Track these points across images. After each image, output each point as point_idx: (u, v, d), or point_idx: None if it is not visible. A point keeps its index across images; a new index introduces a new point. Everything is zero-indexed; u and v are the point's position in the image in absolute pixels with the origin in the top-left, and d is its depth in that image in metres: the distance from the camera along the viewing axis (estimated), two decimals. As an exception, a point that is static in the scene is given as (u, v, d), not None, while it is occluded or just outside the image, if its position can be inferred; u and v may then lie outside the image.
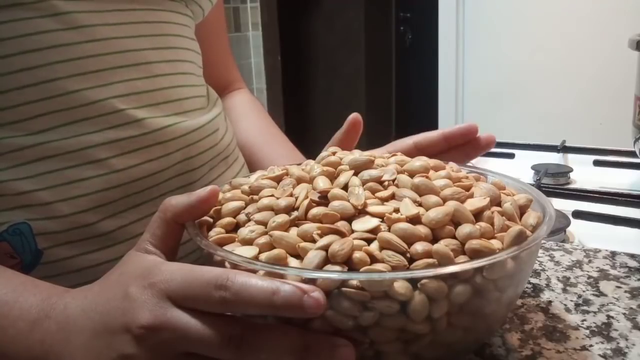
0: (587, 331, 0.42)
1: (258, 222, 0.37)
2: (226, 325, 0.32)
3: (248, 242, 0.36)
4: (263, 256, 0.34)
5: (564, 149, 1.06)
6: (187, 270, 0.33)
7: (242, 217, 0.39)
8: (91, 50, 0.46)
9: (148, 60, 0.50)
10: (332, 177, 0.40)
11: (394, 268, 0.32)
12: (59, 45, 0.44)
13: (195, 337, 0.31)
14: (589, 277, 0.50)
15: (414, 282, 0.31)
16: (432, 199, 0.37)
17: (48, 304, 0.36)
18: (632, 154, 0.91)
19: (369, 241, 0.34)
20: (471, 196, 0.39)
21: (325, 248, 0.33)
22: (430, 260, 0.32)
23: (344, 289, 0.31)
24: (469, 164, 0.51)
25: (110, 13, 0.47)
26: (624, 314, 0.44)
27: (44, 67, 0.43)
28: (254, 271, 0.33)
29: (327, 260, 0.32)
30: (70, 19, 0.45)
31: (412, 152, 0.53)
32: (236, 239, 0.37)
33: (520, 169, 0.97)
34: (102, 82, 0.46)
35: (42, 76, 0.43)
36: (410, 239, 0.33)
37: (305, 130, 3.13)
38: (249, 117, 0.72)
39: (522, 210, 0.40)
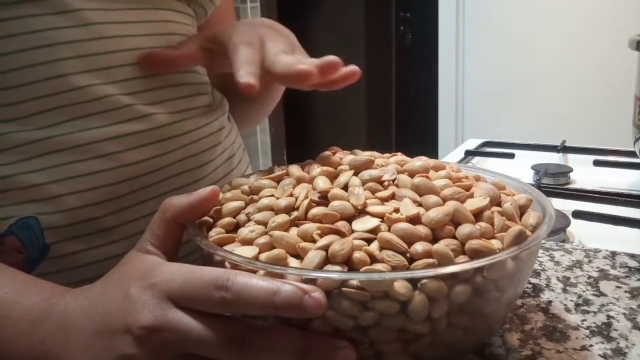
0: (587, 331, 0.42)
1: (258, 222, 0.37)
2: (227, 326, 0.32)
3: (248, 242, 0.36)
4: (263, 256, 0.34)
5: (564, 149, 1.06)
6: (188, 271, 0.33)
7: (242, 217, 0.39)
8: (99, 48, 0.46)
9: None
10: (332, 177, 0.40)
11: (394, 268, 0.32)
12: (68, 41, 0.44)
13: (195, 338, 0.31)
14: (589, 277, 0.50)
15: (414, 282, 0.31)
16: (432, 199, 0.37)
17: (49, 303, 0.36)
18: (632, 154, 0.91)
19: (369, 241, 0.34)
20: (471, 196, 0.39)
21: (325, 248, 0.33)
22: (430, 260, 0.32)
23: (344, 289, 0.31)
24: (469, 164, 0.51)
25: (117, 11, 0.48)
26: (624, 314, 0.44)
27: (53, 63, 0.44)
28: (254, 271, 0.33)
29: (327, 260, 0.32)
30: (80, 16, 0.45)
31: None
32: (236, 239, 0.37)
33: (520, 169, 0.97)
34: (110, 79, 0.46)
35: (51, 72, 0.44)
36: (410, 239, 0.33)
37: (306, 130, 3.13)
38: None
39: (522, 210, 0.40)
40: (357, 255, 0.32)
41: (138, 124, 0.47)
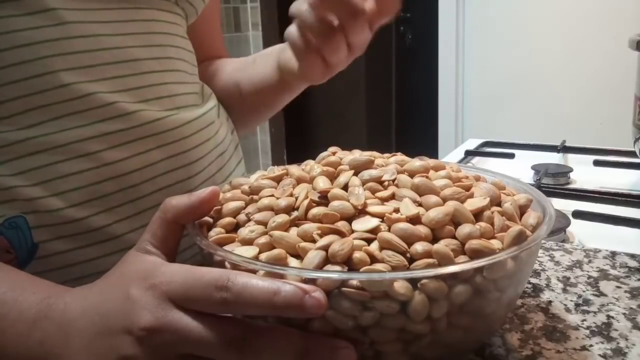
0: (587, 331, 0.42)
1: (258, 222, 0.37)
2: (227, 327, 0.32)
3: (248, 242, 0.36)
4: (263, 256, 0.34)
5: (564, 149, 1.06)
6: (188, 271, 0.33)
7: (242, 217, 0.39)
8: (80, 46, 0.46)
9: (136, 58, 0.50)
10: (332, 177, 0.40)
11: (394, 268, 0.32)
12: (47, 40, 0.44)
13: (196, 339, 0.31)
14: (589, 277, 0.50)
15: (414, 282, 0.31)
16: (432, 199, 0.37)
17: (47, 304, 0.36)
18: (632, 154, 0.91)
19: (369, 241, 0.34)
20: (471, 196, 0.39)
21: (325, 248, 0.33)
22: (430, 260, 0.32)
23: (344, 289, 0.31)
24: (469, 164, 0.51)
25: (98, 11, 0.48)
26: (624, 314, 0.44)
27: (33, 62, 0.43)
28: (254, 271, 0.33)
29: (327, 260, 0.32)
30: (57, 15, 0.45)
31: None
32: (236, 239, 0.37)
33: (520, 169, 0.97)
34: (91, 78, 0.46)
35: (31, 71, 0.43)
36: (410, 239, 0.33)
37: (305, 130, 3.13)
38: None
39: (522, 210, 0.40)
40: (357, 255, 0.32)
41: (121, 122, 0.47)
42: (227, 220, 0.39)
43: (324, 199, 0.37)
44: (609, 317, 0.44)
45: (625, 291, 0.48)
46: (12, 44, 0.43)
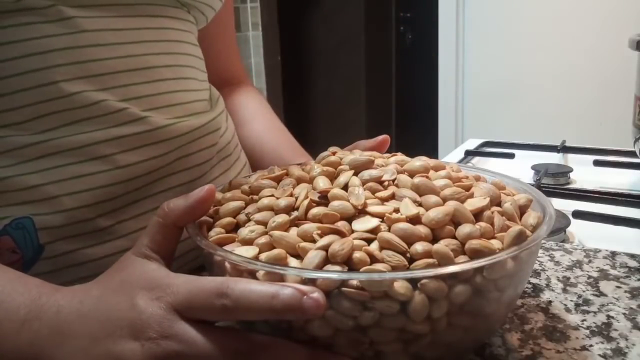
0: (587, 331, 0.42)
1: (258, 222, 0.37)
2: (232, 340, 0.32)
3: (248, 242, 0.36)
4: (263, 256, 0.34)
5: (564, 149, 1.06)
6: (192, 282, 0.33)
7: (242, 217, 0.39)
8: (94, 54, 0.46)
9: (149, 65, 0.50)
10: (332, 177, 0.40)
11: (394, 268, 0.32)
12: (62, 48, 0.44)
13: (201, 351, 0.31)
14: (589, 277, 0.50)
15: (414, 282, 0.31)
16: (432, 199, 0.37)
17: (37, 305, 0.35)
18: (632, 154, 0.91)
19: (369, 241, 0.34)
20: (471, 196, 0.39)
21: (325, 248, 0.33)
22: (430, 260, 0.32)
23: (344, 289, 0.31)
24: (469, 164, 0.51)
25: (113, 19, 0.48)
26: (624, 314, 0.44)
27: (48, 70, 0.44)
28: (254, 271, 0.33)
29: (327, 260, 0.32)
30: (75, 23, 0.45)
31: None
32: (236, 239, 0.37)
33: (520, 169, 0.97)
34: (104, 86, 0.47)
35: (44, 79, 0.44)
36: (410, 239, 0.33)
37: (305, 130, 3.13)
38: (259, 117, 0.73)
39: (522, 210, 0.40)
40: (357, 255, 0.32)
41: (134, 126, 0.48)
42: (227, 220, 0.39)
43: (324, 199, 0.37)
44: (609, 317, 0.44)
45: (625, 291, 0.48)
46: (27, 51, 0.43)
